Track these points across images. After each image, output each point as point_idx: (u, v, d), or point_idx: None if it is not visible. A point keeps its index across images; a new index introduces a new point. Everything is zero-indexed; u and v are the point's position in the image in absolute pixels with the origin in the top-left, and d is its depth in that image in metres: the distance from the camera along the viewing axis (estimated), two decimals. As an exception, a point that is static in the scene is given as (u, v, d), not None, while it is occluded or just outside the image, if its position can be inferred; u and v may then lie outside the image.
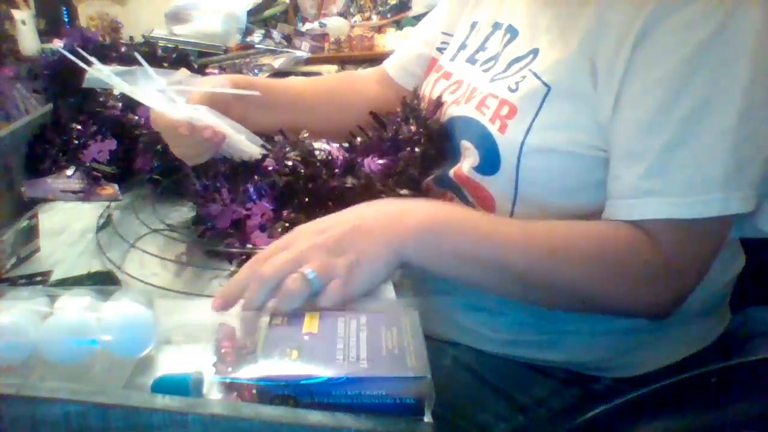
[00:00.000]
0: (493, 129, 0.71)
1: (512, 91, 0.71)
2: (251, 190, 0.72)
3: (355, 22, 3.01)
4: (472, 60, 0.81)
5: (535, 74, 0.69)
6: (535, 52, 0.71)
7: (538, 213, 0.70)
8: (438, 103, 0.81)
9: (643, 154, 0.62)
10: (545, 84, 0.68)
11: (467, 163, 0.74)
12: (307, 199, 0.71)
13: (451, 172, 0.77)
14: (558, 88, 0.67)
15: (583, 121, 0.66)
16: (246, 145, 0.75)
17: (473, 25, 0.85)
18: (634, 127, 0.63)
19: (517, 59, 0.73)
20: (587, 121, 0.66)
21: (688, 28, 0.60)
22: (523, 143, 0.68)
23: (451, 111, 0.78)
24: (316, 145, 0.76)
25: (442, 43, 0.92)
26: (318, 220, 0.60)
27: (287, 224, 0.70)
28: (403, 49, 1.00)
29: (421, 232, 0.59)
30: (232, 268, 0.70)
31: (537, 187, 0.69)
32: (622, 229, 0.63)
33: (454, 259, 0.60)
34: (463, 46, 0.85)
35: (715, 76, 0.60)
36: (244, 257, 0.70)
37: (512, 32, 0.76)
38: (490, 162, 0.71)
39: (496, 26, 0.81)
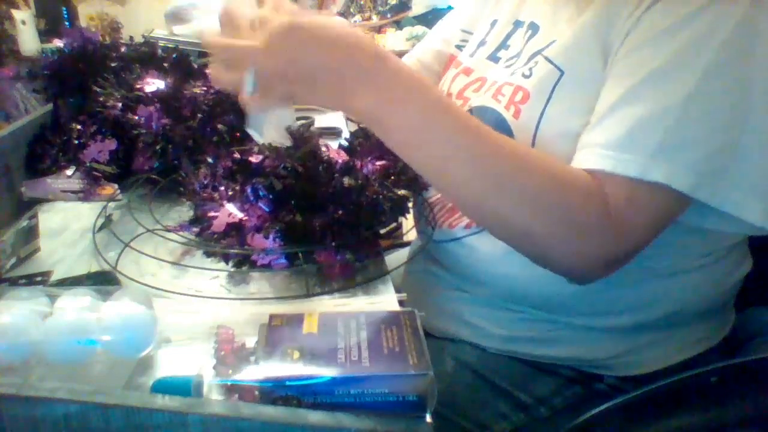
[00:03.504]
0: (507, 115, 0.71)
1: (526, 77, 0.72)
2: (249, 191, 0.72)
3: (355, 22, 3.01)
4: (494, 58, 0.82)
5: (548, 59, 0.70)
6: (553, 42, 0.72)
7: None
8: None
9: (598, 111, 0.64)
10: (558, 68, 0.69)
11: None
12: (303, 201, 0.71)
13: None
14: (571, 72, 0.68)
15: (596, 104, 0.66)
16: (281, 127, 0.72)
17: (493, 23, 0.86)
18: (605, 87, 0.64)
19: (538, 51, 0.74)
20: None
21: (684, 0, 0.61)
22: (537, 128, 0.69)
23: (469, 103, 0.79)
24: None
25: (461, 40, 0.93)
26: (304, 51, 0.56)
27: (284, 225, 0.70)
28: (421, 45, 1.01)
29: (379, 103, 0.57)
30: (230, 269, 0.70)
31: None
32: (584, 175, 0.62)
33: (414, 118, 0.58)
34: (482, 43, 0.85)
35: (684, 51, 0.60)
36: (241, 258, 0.70)
37: (534, 28, 0.77)
38: None
39: (518, 24, 0.81)
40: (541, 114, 0.69)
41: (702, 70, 0.60)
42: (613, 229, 0.61)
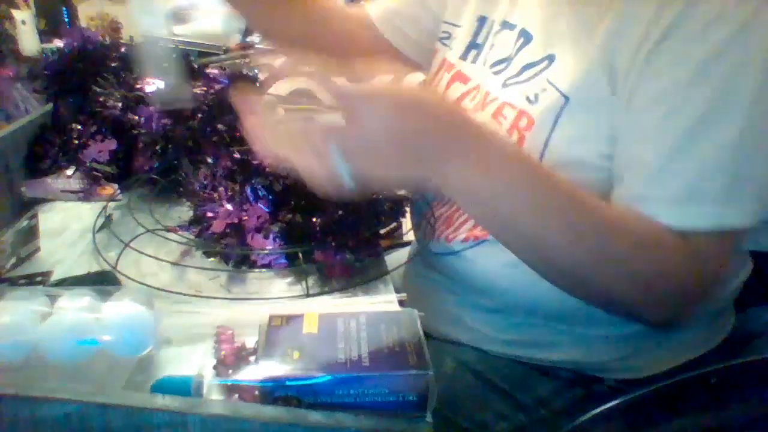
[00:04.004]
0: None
1: (531, 102, 0.69)
2: (249, 191, 0.72)
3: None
4: (483, 60, 0.80)
5: (554, 85, 0.68)
6: (550, 58, 0.70)
7: None
8: None
9: (646, 161, 0.61)
10: (563, 95, 0.66)
11: None
12: (303, 201, 0.72)
13: None
14: (576, 99, 0.66)
15: (603, 132, 0.64)
16: None
17: (482, 20, 0.83)
18: (641, 131, 0.62)
19: (531, 65, 0.71)
20: (607, 130, 0.64)
21: (706, 30, 0.59)
22: (542, 156, 0.67)
23: None
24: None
25: (444, 32, 0.89)
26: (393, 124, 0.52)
27: (284, 225, 0.70)
28: (393, 4, 0.96)
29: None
30: (230, 269, 0.70)
31: None
32: (668, 236, 0.60)
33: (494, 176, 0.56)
34: (475, 46, 0.83)
35: (724, 86, 0.59)
36: (241, 258, 0.70)
37: (526, 36, 0.74)
38: None
39: (506, 25, 0.78)
40: (546, 142, 0.67)
41: (746, 103, 0.58)
42: (702, 284, 0.62)
